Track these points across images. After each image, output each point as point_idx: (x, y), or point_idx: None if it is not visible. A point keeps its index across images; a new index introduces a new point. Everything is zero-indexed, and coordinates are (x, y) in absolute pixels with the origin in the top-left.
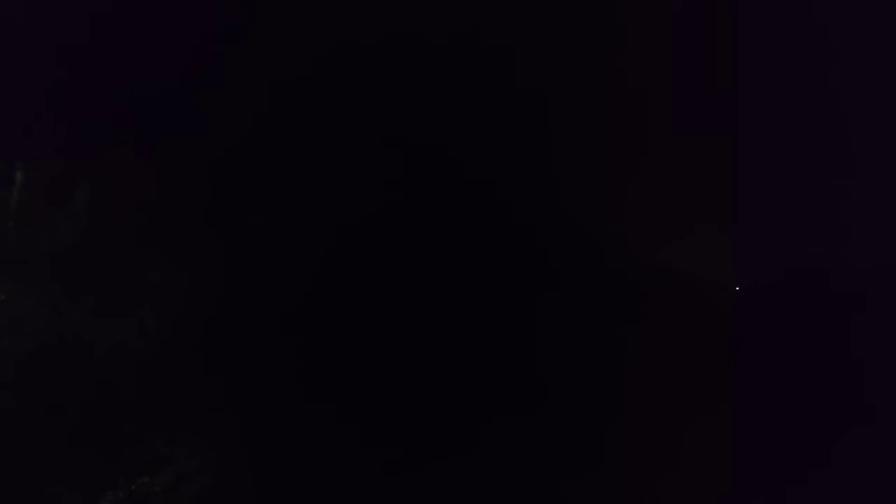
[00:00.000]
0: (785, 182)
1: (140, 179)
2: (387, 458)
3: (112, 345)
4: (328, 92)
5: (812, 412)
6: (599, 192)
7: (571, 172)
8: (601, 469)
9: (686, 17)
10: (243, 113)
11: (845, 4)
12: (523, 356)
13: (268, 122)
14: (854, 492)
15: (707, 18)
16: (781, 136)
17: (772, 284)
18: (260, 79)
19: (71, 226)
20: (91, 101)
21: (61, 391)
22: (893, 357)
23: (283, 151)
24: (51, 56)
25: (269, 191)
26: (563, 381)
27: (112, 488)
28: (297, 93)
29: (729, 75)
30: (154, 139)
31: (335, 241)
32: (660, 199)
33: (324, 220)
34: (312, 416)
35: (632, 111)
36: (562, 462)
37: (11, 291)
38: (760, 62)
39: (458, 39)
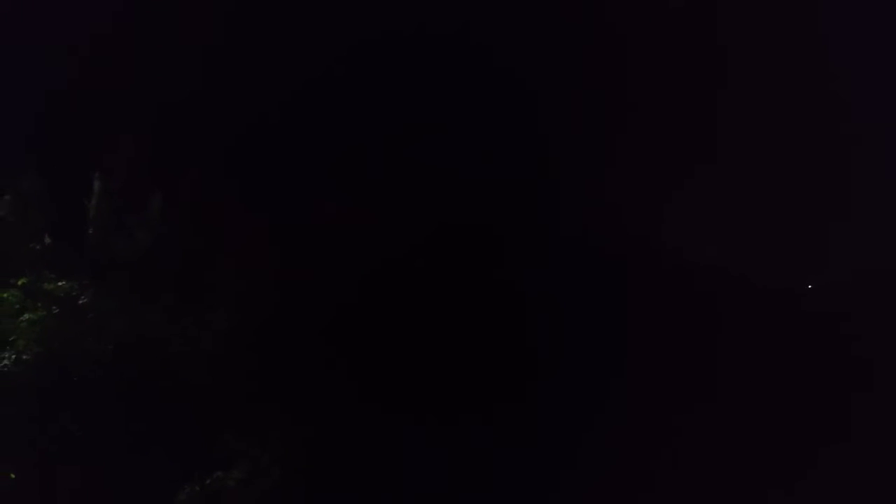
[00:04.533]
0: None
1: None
2: (444, 449)
3: (186, 345)
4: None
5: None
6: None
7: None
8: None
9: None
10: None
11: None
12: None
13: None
14: None
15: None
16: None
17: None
18: None
19: (147, 232)
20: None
21: (140, 390)
22: None
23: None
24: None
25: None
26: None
27: (188, 482)
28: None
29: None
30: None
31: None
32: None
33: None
34: (378, 414)
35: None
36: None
37: (94, 295)
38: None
39: None
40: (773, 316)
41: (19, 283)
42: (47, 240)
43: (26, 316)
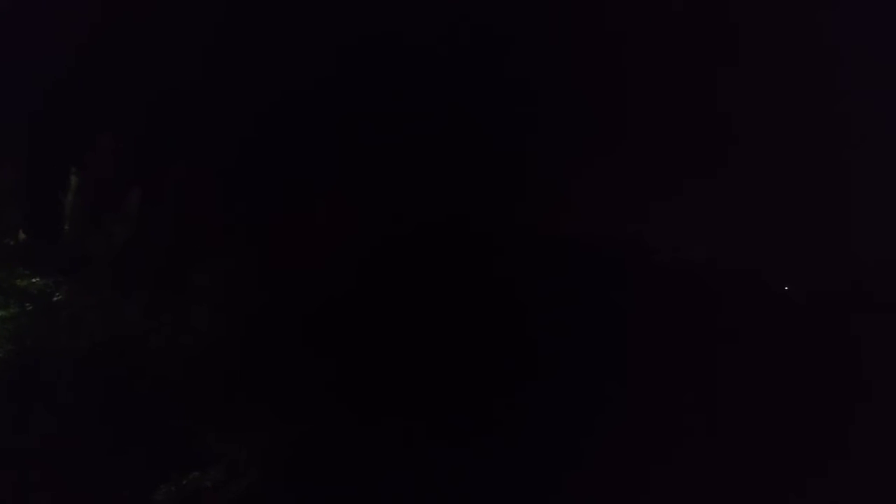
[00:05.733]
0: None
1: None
2: (423, 452)
3: (164, 343)
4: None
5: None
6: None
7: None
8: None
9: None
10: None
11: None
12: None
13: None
14: None
15: None
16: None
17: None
18: None
19: (124, 228)
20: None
21: (116, 388)
22: None
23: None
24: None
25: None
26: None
27: (164, 483)
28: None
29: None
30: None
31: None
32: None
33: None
34: (356, 416)
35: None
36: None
37: (68, 292)
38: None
39: None
40: (774, 316)
41: None
42: (21, 235)
43: None
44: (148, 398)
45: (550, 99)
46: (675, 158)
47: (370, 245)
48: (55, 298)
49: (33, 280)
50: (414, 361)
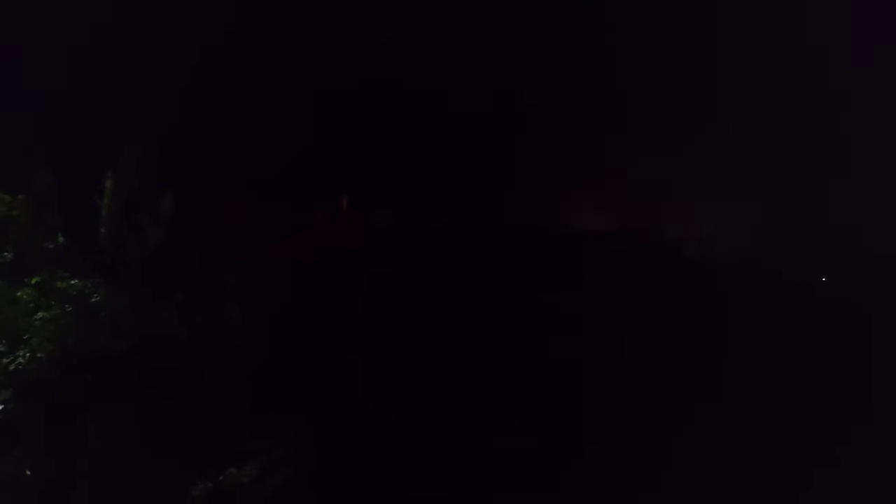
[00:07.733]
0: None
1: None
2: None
3: (198, 342)
4: None
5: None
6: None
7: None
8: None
9: None
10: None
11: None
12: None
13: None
14: None
15: None
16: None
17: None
18: None
19: (159, 231)
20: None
21: (154, 386)
22: None
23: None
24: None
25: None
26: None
27: (202, 479)
28: None
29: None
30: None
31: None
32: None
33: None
34: (389, 413)
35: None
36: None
37: (106, 293)
38: None
39: None
40: (787, 308)
41: (33, 281)
42: (60, 239)
43: (40, 314)
44: (184, 396)
45: (553, 99)
46: (678, 157)
47: (397, 249)
48: (94, 300)
49: (72, 282)
50: (444, 362)
